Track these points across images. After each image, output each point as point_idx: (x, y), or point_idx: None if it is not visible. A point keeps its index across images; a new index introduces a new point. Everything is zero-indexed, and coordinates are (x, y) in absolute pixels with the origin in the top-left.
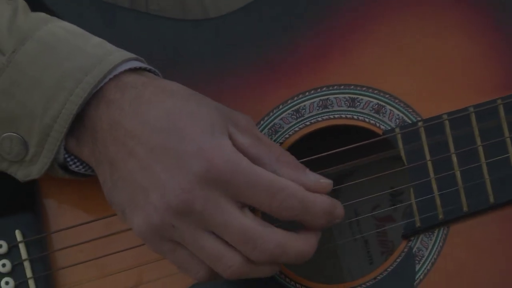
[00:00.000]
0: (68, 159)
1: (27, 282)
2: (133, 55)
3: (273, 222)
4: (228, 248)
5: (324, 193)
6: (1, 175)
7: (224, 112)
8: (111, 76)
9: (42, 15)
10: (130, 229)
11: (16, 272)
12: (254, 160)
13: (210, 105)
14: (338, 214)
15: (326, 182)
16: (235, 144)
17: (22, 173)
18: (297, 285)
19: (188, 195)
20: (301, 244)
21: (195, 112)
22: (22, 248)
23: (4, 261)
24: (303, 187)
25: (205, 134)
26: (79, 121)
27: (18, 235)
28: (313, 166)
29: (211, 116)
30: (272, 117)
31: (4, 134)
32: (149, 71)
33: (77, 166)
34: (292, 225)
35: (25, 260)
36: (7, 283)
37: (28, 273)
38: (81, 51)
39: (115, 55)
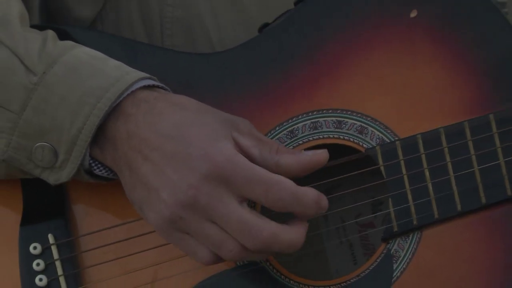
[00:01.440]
0: (93, 165)
1: (58, 279)
2: (146, 75)
3: (270, 217)
4: (228, 235)
5: (324, 161)
6: (34, 188)
7: (227, 119)
8: (128, 92)
9: (69, 42)
10: (148, 233)
11: (48, 270)
12: (257, 157)
13: (214, 114)
14: (324, 205)
15: (321, 152)
16: (238, 146)
17: (53, 178)
18: (291, 281)
19: (194, 191)
20: (292, 234)
21: (201, 121)
22: (54, 249)
23: (38, 260)
24: (305, 163)
25: (209, 140)
26: (101, 132)
27: (50, 238)
28: (306, 180)
29: (215, 124)
30: (270, 136)
31: (37, 144)
32: (161, 87)
33: (100, 171)
34: (285, 219)
35: (56, 260)
36: (40, 279)
37: (59, 271)
38: (102, 72)
39: (131, 75)
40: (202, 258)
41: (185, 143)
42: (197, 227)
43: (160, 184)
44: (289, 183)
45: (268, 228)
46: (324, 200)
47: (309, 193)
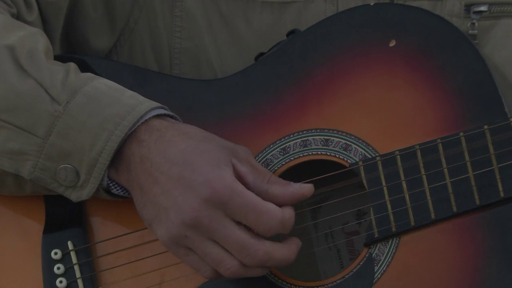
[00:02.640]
0: (110, 185)
1: (77, 281)
2: (158, 104)
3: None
4: (227, 254)
5: (309, 194)
6: (55, 200)
7: (228, 147)
8: (142, 120)
9: (89, 74)
10: (156, 240)
11: (68, 273)
12: (250, 183)
13: (217, 143)
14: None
15: (307, 186)
16: (236, 172)
17: (75, 196)
18: (284, 282)
19: (197, 213)
20: (284, 251)
21: (204, 150)
22: (73, 255)
23: (59, 265)
24: (291, 195)
25: (211, 167)
26: (118, 155)
27: (70, 245)
28: None
29: (217, 152)
30: (265, 154)
31: (61, 166)
32: (171, 117)
33: (117, 190)
34: (278, 237)
35: (75, 264)
36: (61, 281)
37: (77, 274)
38: (119, 101)
39: (145, 105)
40: (204, 273)
41: (190, 169)
42: (199, 245)
43: (168, 205)
44: (278, 212)
45: (263, 247)
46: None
47: (291, 216)
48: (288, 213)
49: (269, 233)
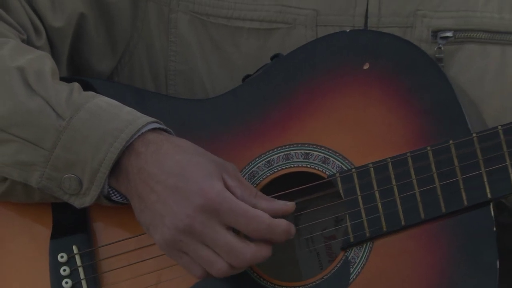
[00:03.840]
0: (111, 192)
1: (81, 282)
2: (154, 119)
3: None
4: (217, 256)
5: (291, 211)
6: (61, 208)
7: (218, 162)
8: (139, 134)
9: (91, 93)
10: (153, 244)
11: (73, 275)
12: (239, 196)
13: (208, 158)
14: (292, 232)
15: (290, 204)
16: (226, 185)
17: (78, 202)
18: (268, 283)
19: (190, 220)
20: (268, 253)
21: (197, 162)
22: (77, 258)
23: (65, 267)
24: (276, 211)
25: (204, 177)
26: (117, 166)
27: (74, 249)
28: (284, 199)
29: (208, 165)
30: (252, 166)
31: (65, 175)
32: (165, 131)
33: (116, 197)
34: None
35: (79, 266)
36: (66, 282)
37: (82, 275)
38: (118, 116)
39: (141, 119)
40: (196, 273)
41: (184, 180)
42: (192, 248)
43: (164, 212)
44: (266, 217)
45: (249, 250)
46: (293, 229)
47: (282, 225)
48: (279, 221)
49: (259, 236)
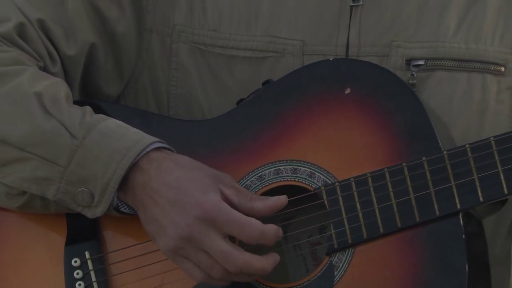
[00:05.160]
0: (119, 204)
1: (93, 284)
2: (157, 139)
3: (248, 248)
4: (214, 261)
5: (284, 204)
6: (75, 218)
7: (215, 175)
8: (144, 152)
9: (101, 115)
10: (158, 250)
11: (85, 278)
12: (236, 203)
13: (205, 172)
14: (280, 235)
15: (282, 198)
16: (223, 195)
17: (90, 213)
18: (261, 285)
19: (190, 229)
20: (262, 262)
21: (195, 177)
22: (89, 263)
23: (78, 271)
24: (271, 206)
25: (201, 191)
26: (125, 181)
27: (87, 254)
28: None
29: (205, 179)
30: (245, 180)
31: (79, 189)
32: (168, 149)
33: (125, 208)
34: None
35: (91, 270)
36: (79, 284)
37: (93, 278)
38: (125, 137)
39: (146, 140)
40: (196, 277)
41: (183, 193)
42: (193, 254)
43: (166, 223)
44: (258, 224)
45: (242, 257)
46: (280, 232)
47: (272, 229)
48: (270, 226)
49: (252, 242)
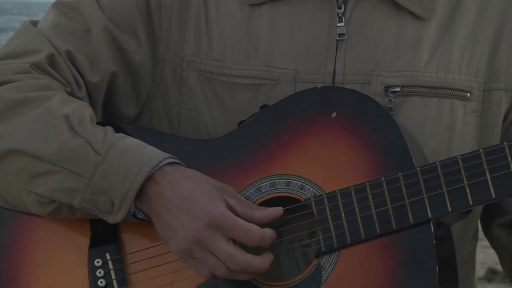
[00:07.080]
0: (136, 211)
1: (113, 282)
2: (170, 155)
3: (248, 250)
4: (219, 261)
5: (280, 214)
6: (98, 223)
7: (220, 187)
8: (158, 167)
9: (121, 134)
10: (170, 252)
11: (106, 276)
12: (239, 212)
13: (212, 184)
14: (275, 236)
15: (278, 209)
16: (228, 204)
17: (110, 219)
18: (259, 283)
19: (199, 233)
20: (260, 262)
21: (204, 189)
22: (110, 263)
23: (100, 270)
24: (268, 216)
25: (209, 201)
26: (141, 192)
27: (107, 255)
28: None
29: (213, 191)
30: (245, 192)
31: (101, 198)
32: (179, 164)
33: (141, 215)
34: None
35: (111, 269)
36: (101, 282)
37: (113, 276)
38: (142, 153)
39: (160, 156)
40: (203, 274)
41: (193, 203)
42: (201, 255)
43: (178, 228)
44: (258, 230)
45: (243, 258)
46: (275, 234)
47: (269, 234)
48: (267, 231)
49: (253, 244)
